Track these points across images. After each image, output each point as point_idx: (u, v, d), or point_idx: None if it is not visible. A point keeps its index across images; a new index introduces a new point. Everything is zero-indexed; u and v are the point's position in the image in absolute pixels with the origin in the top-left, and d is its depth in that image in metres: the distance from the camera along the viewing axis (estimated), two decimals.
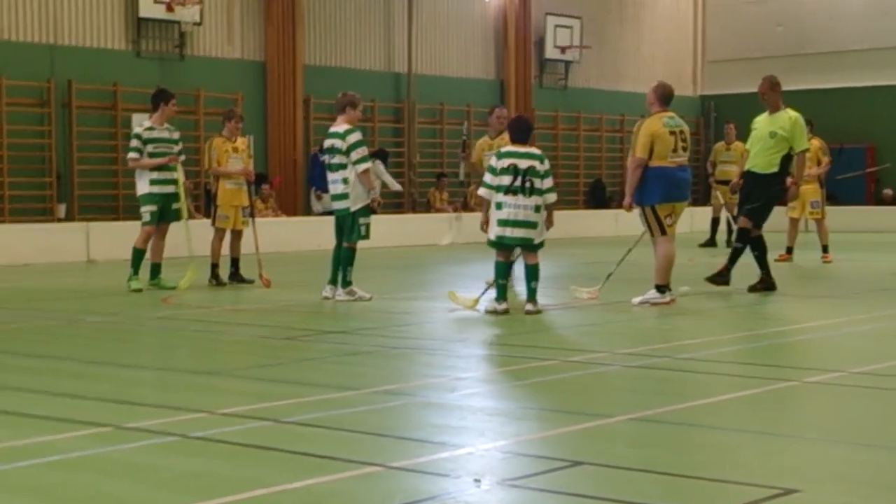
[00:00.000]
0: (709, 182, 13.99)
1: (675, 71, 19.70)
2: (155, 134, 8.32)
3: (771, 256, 8.77)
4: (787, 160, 8.04)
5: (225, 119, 8.94)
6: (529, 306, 6.89)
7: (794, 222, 11.39)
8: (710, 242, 13.44)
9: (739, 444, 3.94)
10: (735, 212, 13.53)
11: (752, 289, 8.17)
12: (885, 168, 17.52)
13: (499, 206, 6.75)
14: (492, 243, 6.95)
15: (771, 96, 8.14)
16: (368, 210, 7.73)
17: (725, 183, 13.39)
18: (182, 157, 8.55)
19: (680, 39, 20.49)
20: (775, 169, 7.95)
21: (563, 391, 4.96)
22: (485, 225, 6.95)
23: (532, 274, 6.86)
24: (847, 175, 15.32)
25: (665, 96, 7.29)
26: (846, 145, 15.97)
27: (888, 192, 17.74)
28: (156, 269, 8.52)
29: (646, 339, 6.54)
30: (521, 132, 6.99)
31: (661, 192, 7.09)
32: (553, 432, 4.09)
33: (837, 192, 12.13)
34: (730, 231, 13.18)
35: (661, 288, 7.23)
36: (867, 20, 18.36)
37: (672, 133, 7.13)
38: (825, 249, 11.18)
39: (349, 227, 7.59)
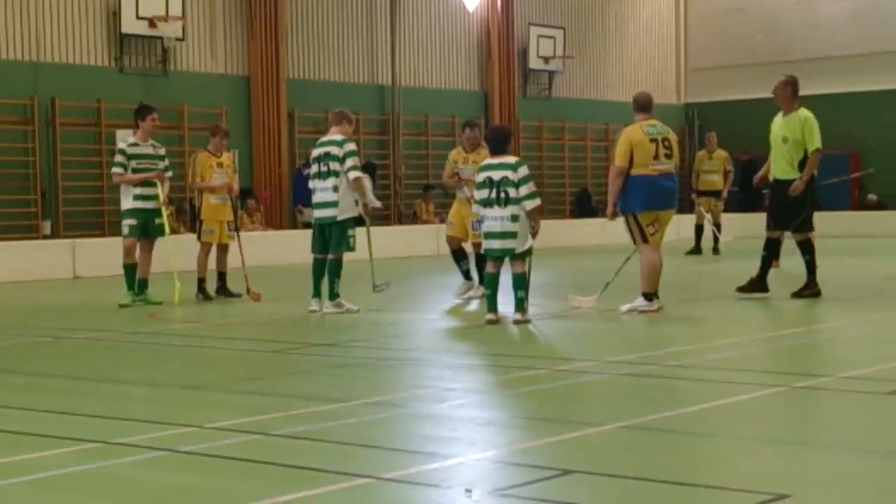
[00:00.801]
0: (691, 195, 14.22)
1: (659, 79, 20.25)
2: (139, 150, 8.39)
3: (754, 264, 8.71)
4: (805, 161, 7.83)
5: (210, 134, 9.05)
6: (517, 316, 6.93)
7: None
8: (696, 250, 13.52)
9: (730, 450, 4.00)
10: (720, 220, 13.83)
11: (797, 294, 7.99)
12: (868, 173, 17.72)
13: (482, 220, 6.93)
14: (483, 256, 7.21)
15: (783, 94, 7.91)
16: (355, 222, 7.75)
17: (707, 193, 13.53)
18: (169, 174, 8.63)
19: (662, 48, 20.86)
20: (796, 174, 7.79)
21: (552, 400, 5.03)
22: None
23: (518, 283, 6.87)
24: (832, 180, 15.18)
25: (640, 104, 7.30)
26: (830, 151, 15.92)
27: (872, 196, 17.98)
28: (142, 285, 8.55)
29: (634, 346, 6.62)
30: (496, 143, 7.16)
31: (642, 200, 7.13)
32: (543, 441, 4.13)
33: (822, 197, 12.31)
34: (715, 239, 13.44)
35: (648, 296, 7.26)
36: (846, 27, 18.78)
37: (653, 140, 7.16)
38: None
39: (336, 238, 7.58)
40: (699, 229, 13.62)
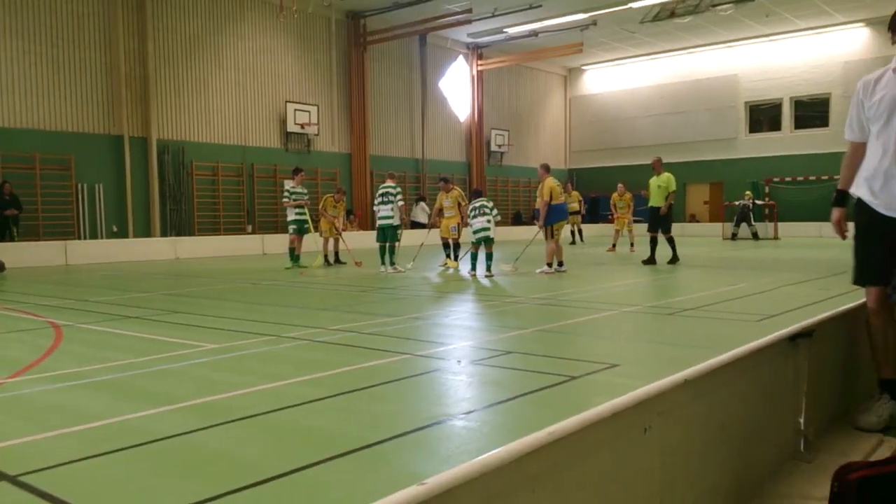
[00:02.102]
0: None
1: (555, 155, 33.87)
2: (297, 190, 14.01)
3: (603, 249, 15.89)
4: (666, 197, 13.20)
5: (336, 191, 14.30)
6: (488, 273, 11.51)
7: (617, 231, 18.69)
8: (573, 243, 21.81)
9: (590, 341, 5.85)
10: (580, 226, 21.91)
11: (670, 262, 13.55)
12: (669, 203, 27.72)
13: (473, 225, 11.57)
14: (473, 243, 12.07)
15: (657, 165, 13.63)
16: (402, 226, 12.68)
17: (571, 213, 20.56)
18: (308, 203, 13.59)
19: (558, 139, 34.32)
20: (661, 204, 13.43)
21: (502, 316, 7.31)
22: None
23: (489, 257, 12.07)
24: (640, 207, 24.28)
25: (548, 168, 12.36)
26: (638, 192, 25.51)
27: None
28: (297, 258, 14.07)
29: (543, 290, 9.63)
30: (477, 192, 12.25)
31: (555, 217, 12.10)
32: (497, 337, 5.97)
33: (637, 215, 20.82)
34: (579, 237, 22.58)
35: (550, 265, 12.24)
36: (650, 129, 31.62)
37: (558, 186, 12.16)
38: (632, 244, 18.21)
39: (391, 234, 12.60)
40: (572, 233, 22.27)
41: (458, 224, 13.29)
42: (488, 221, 11.94)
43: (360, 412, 3.84)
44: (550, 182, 12.01)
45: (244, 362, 5.12)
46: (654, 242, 13.85)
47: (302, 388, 4.32)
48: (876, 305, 3.61)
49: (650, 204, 13.61)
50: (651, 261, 13.67)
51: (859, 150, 3.69)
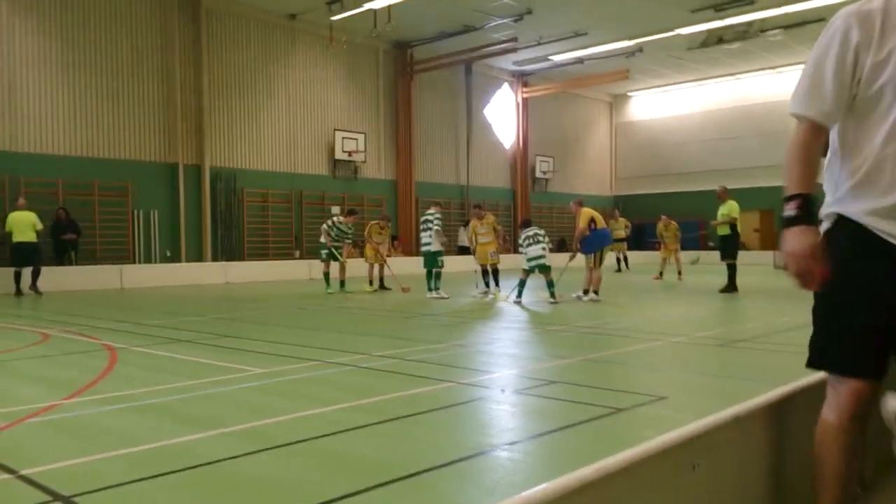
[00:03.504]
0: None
1: (601, 182, 34.22)
2: (342, 226, 14.60)
3: (649, 277, 15.92)
4: (733, 226, 13.19)
5: (381, 217, 14.46)
6: (551, 300, 11.56)
7: (663, 260, 18.45)
8: (618, 270, 22.15)
9: (637, 372, 5.76)
10: (626, 254, 22.20)
11: (722, 291, 13.63)
12: (708, 231, 27.83)
13: (525, 253, 11.63)
14: (526, 270, 12.07)
15: (723, 195, 13.67)
16: (442, 252, 12.63)
17: (617, 241, 21.17)
18: (349, 242, 14.95)
19: (603, 166, 34.33)
20: (729, 232, 13.51)
21: (546, 344, 7.34)
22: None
23: (550, 284, 12.07)
24: (690, 234, 27.45)
25: (581, 203, 12.60)
26: (691, 220, 28.69)
27: (711, 244, 27.87)
28: (343, 283, 14.72)
29: (588, 318, 9.60)
30: (527, 222, 12.67)
31: (599, 242, 12.16)
32: (541, 366, 5.99)
33: (685, 243, 21.88)
34: (625, 264, 22.65)
35: (586, 291, 12.25)
36: (699, 155, 31.77)
37: (597, 214, 12.30)
38: (679, 273, 18.22)
39: (431, 260, 12.60)
40: (618, 260, 22.61)
41: (496, 250, 13.44)
42: (543, 249, 11.99)
43: (403, 440, 3.84)
44: (587, 211, 12.20)
45: (291, 387, 5.19)
46: (730, 269, 13.73)
47: (346, 414, 4.33)
48: (853, 411, 2.19)
49: (719, 234, 13.63)
50: (728, 289, 13.59)
51: (822, 134, 2.16)
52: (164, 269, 18.61)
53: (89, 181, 18.31)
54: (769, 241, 29.00)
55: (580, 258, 12.66)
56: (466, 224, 24.89)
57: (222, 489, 3.11)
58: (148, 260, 19.23)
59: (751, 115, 29.99)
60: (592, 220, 12.05)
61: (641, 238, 30.78)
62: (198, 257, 20.11)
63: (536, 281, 12.87)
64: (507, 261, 21.28)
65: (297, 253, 21.92)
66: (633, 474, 1.76)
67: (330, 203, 22.78)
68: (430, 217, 13.06)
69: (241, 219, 20.92)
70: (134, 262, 18.86)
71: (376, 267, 15.15)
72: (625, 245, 22.37)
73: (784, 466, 2.47)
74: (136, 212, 19.08)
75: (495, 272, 13.58)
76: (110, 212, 18.67)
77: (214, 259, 20.31)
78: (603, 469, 1.67)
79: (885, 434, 2.89)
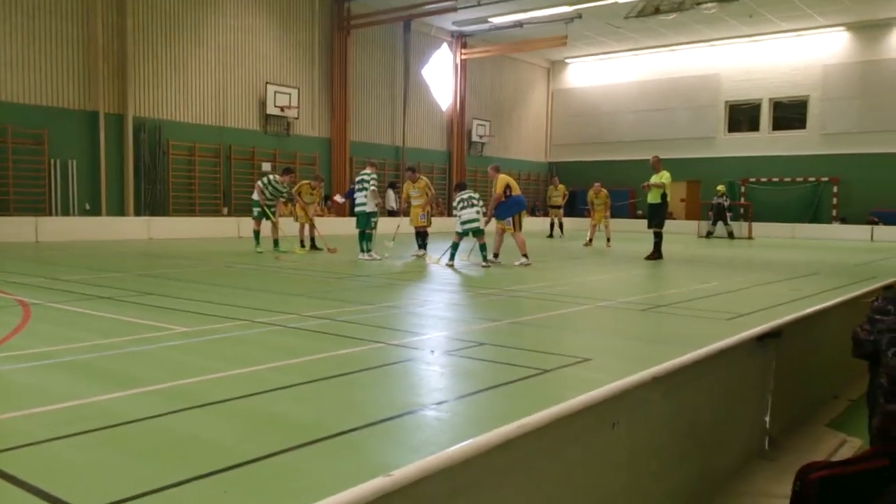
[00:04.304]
0: (546, 207, 25.05)
1: (536, 147, 34.31)
2: (278, 186, 14.26)
3: (580, 244, 16.70)
4: (663, 195, 13.45)
5: (314, 178, 14.19)
6: (483, 263, 11.58)
7: (593, 227, 18.88)
8: (550, 236, 22.66)
9: (562, 335, 6.00)
10: (562, 221, 22.40)
11: (648, 258, 13.82)
12: (637, 200, 29.19)
13: (459, 216, 11.70)
14: (459, 233, 11.89)
15: (656, 165, 13.88)
16: (377, 213, 12.49)
17: (553, 207, 22.26)
18: (283, 201, 13.82)
19: (539, 132, 34.39)
20: (659, 201, 13.73)
21: (476, 307, 7.46)
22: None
23: (482, 248, 11.61)
24: (620, 203, 28.72)
25: (499, 168, 12.67)
26: (620, 188, 29.34)
27: (639, 212, 29.40)
28: (276, 243, 14.43)
29: (519, 282, 9.76)
30: (462, 185, 12.33)
31: (515, 208, 12.33)
32: (471, 328, 6.16)
33: (615, 211, 23.86)
34: (560, 231, 22.81)
35: (526, 255, 12.24)
36: (632, 125, 31.95)
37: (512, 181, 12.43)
38: (608, 240, 18.53)
39: (365, 220, 12.48)
40: (551, 226, 23.01)
41: (428, 212, 13.55)
42: (477, 213, 12.10)
43: (331, 400, 3.86)
44: (504, 177, 12.32)
45: (216, 346, 5.17)
46: (656, 237, 14.14)
47: (274, 375, 4.32)
48: None
49: (648, 201, 13.98)
50: (653, 257, 14.00)
51: None
52: (83, 222, 17.91)
53: (1, 126, 17.34)
54: (694, 211, 29.93)
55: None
56: (392, 186, 24.87)
57: (145, 448, 3.08)
58: (66, 213, 18.44)
59: (683, 87, 30.67)
60: (508, 187, 12.24)
61: (573, 205, 31.34)
62: (119, 211, 19.40)
63: (469, 243, 12.98)
64: (439, 223, 21.48)
65: (226, 210, 21.38)
66: (555, 432, 1.82)
67: (261, 159, 22.30)
68: (365, 177, 12.91)
69: (166, 172, 20.23)
70: (50, 215, 18.05)
71: (307, 227, 15.02)
72: (561, 212, 22.68)
73: (700, 426, 2.60)
74: (52, 161, 18.20)
75: (424, 234, 13.76)
76: (25, 160, 17.77)
77: (137, 213, 19.63)
78: (525, 426, 1.72)
79: (791, 392, 3.06)
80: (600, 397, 1.99)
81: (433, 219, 14.34)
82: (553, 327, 6.31)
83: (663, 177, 13.73)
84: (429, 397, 3.93)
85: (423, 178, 13.75)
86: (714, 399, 2.71)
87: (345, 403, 3.81)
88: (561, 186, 22.58)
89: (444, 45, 28.94)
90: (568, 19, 26.24)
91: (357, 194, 13.00)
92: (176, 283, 9.00)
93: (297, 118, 23.19)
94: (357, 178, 13.13)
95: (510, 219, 12.35)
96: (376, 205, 12.87)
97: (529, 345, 5.43)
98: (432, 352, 5.03)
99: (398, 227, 15.31)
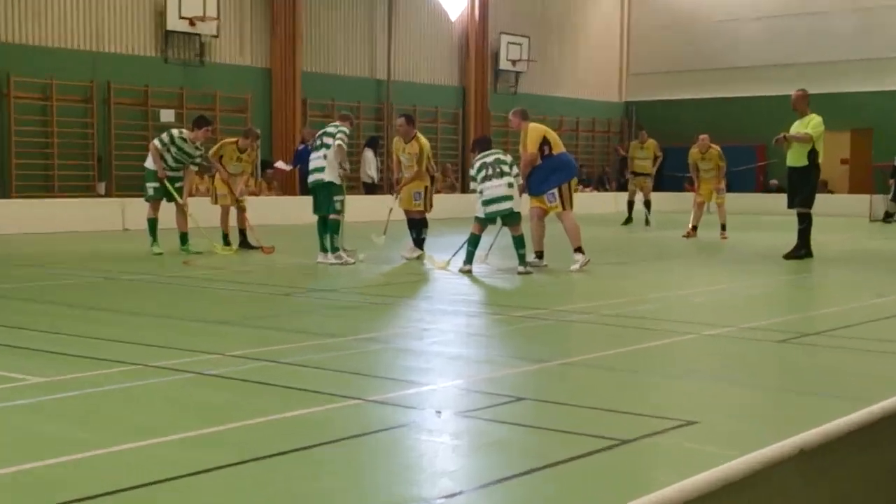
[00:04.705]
0: (626, 175, 24.44)
1: (604, 81, 34.23)
2: (184, 146, 13.92)
3: (678, 233, 16.31)
4: (813, 154, 12.98)
5: (243, 136, 14.21)
6: (521, 269, 11.57)
7: (699, 206, 18.80)
8: (628, 220, 22.72)
9: (650, 384, 5.89)
10: (650, 197, 22.25)
11: (788, 256, 13.60)
12: (772, 163, 29.43)
13: (481, 193, 11.48)
14: (481, 220, 11.83)
15: (800, 105, 13.56)
16: (343, 190, 12.34)
17: (638, 174, 22.19)
18: (195, 169, 14.10)
19: (608, 55, 34.35)
20: (806, 163, 13.39)
21: (510, 338, 7.52)
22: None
23: (518, 243, 11.56)
24: (741, 167, 27.11)
25: (526, 115, 12.83)
26: (740, 143, 28.22)
27: (774, 182, 30.07)
28: (183, 239, 14.11)
29: (578, 297, 10.02)
30: (485, 144, 12.60)
31: (562, 175, 12.30)
32: (501, 373, 6.09)
33: (734, 182, 22.34)
34: (630, 207, 22.65)
35: (580, 250, 12.10)
36: (759, 42, 31.65)
37: (551, 133, 12.55)
38: (723, 228, 18.56)
39: (325, 198, 12.36)
40: (630, 205, 22.84)
41: (427, 188, 13.49)
42: (510, 186, 11.75)
43: (279, 492, 3.84)
44: (537, 128, 12.49)
45: (90, 406, 5.19)
46: (802, 223, 13.87)
47: (182, 452, 4.35)
48: None
49: (788, 164, 13.84)
50: (796, 253, 13.82)
51: None
52: None
53: None
54: (864, 181, 29.72)
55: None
56: (373, 144, 24.57)
57: None
58: None
59: None
60: (546, 142, 12.20)
61: (662, 171, 30.77)
62: None
63: (502, 238, 12.86)
64: (449, 204, 21.31)
65: (103, 187, 21.42)
66: None
67: (159, 103, 22.27)
68: (331, 130, 12.78)
69: (5, 127, 20.31)
70: None
71: (233, 213, 14.97)
72: (650, 182, 22.66)
73: None
74: None
75: (420, 224, 13.60)
76: None
77: None
78: None
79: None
80: (716, 483, 1.98)
81: (436, 197, 14.27)
82: (635, 371, 6.32)
83: (812, 124, 13.53)
84: (434, 488, 3.93)
85: (422, 137, 13.63)
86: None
87: (299, 498, 3.79)
88: (651, 142, 22.58)
89: None
90: None
91: (313, 155, 12.75)
92: (25, 306, 9.03)
93: (216, 36, 23.18)
94: (319, 133, 13.06)
95: (553, 191, 12.17)
96: (341, 174, 12.57)
97: (597, 400, 5.44)
98: (439, 413, 5.09)
99: (391, 210, 14.60)
